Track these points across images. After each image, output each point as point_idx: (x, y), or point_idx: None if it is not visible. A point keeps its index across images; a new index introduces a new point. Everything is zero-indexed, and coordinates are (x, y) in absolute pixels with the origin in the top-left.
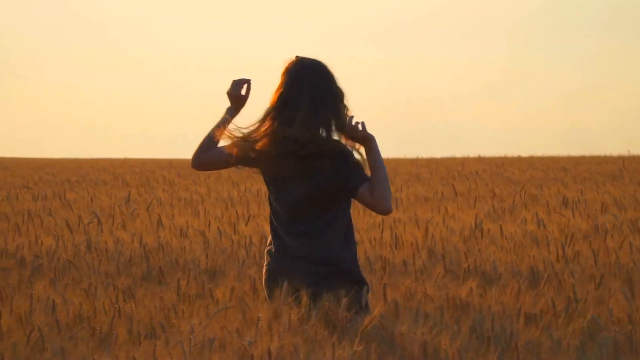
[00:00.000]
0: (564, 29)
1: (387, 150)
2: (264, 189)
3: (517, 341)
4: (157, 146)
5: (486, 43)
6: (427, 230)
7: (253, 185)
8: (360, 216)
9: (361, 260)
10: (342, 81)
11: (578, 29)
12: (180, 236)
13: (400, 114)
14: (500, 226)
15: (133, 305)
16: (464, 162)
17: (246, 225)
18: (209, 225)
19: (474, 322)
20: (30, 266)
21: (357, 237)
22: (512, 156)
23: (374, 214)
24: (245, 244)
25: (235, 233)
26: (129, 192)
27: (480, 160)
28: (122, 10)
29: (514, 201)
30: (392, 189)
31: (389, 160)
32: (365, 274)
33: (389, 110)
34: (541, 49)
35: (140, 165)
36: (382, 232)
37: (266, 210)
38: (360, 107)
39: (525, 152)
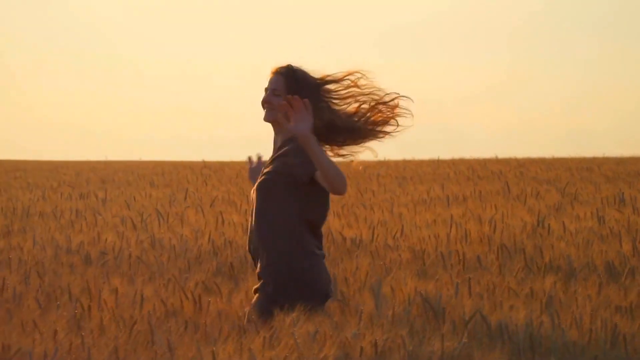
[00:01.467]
0: (565, 31)
1: (389, 152)
2: None
3: (623, 333)
4: (157, 149)
5: (488, 46)
6: (495, 226)
7: None
8: (417, 214)
9: (433, 256)
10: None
11: (579, 32)
12: (243, 233)
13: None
14: (563, 222)
15: (219, 299)
16: (485, 162)
17: None
18: None
19: (574, 314)
20: (96, 263)
21: (420, 234)
22: (523, 157)
23: (431, 211)
24: None
25: None
26: (187, 189)
27: (498, 161)
28: (121, 15)
29: (577, 197)
30: (422, 188)
31: (410, 161)
32: (440, 269)
33: None
34: (543, 52)
35: (153, 167)
36: (450, 228)
37: None
38: None
39: (527, 154)
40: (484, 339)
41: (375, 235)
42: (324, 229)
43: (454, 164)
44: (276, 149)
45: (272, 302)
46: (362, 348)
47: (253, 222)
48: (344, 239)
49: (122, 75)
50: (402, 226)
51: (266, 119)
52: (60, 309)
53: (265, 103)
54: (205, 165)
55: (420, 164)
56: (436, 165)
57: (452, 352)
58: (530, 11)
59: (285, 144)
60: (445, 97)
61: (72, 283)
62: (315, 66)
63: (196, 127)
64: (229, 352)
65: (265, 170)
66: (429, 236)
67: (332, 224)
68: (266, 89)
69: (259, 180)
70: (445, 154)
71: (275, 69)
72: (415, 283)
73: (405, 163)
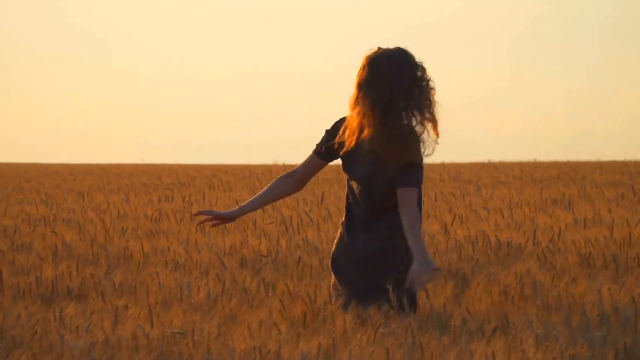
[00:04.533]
0: (568, 36)
1: None
2: None
3: None
4: (159, 151)
5: (491, 50)
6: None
7: None
8: (537, 216)
9: (602, 259)
10: (349, 89)
11: (582, 37)
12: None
13: None
14: None
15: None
16: (536, 165)
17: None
18: None
19: None
20: (253, 266)
21: (572, 237)
22: (543, 161)
23: (548, 214)
24: (462, 243)
25: (445, 233)
26: (322, 192)
27: (538, 164)
28: (117, 19)
29: None
30: (500, 192)
31: (458, 164)
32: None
33: None
34: (545, 56)
35: (187, 170)
36: (612, 230)
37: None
38: None
39: (529, 158)
40: None
41: (533, 238)
42: (472, 233)
43: (498, 167)
44: None
45: None
46: (617, 350)
47: None
48: (499, 242)
49: (118, 79)
50: (560, 229)
51: None
52: (255, 310)
53: None
54: (246, 168)
55: (450, 167)
56: (473, 168)
57: None
58: (534, 16)
59: None
60: (448, 101)
61: (251, 285)
62: (316, 67)
63: (200, 130)
64: (480, 351)
65: None
66: (588, 239)
67: (481, 226)
68: None
69: None
70: (446, 158)
71: None
72: (609, 285)
73: (444, 166)
